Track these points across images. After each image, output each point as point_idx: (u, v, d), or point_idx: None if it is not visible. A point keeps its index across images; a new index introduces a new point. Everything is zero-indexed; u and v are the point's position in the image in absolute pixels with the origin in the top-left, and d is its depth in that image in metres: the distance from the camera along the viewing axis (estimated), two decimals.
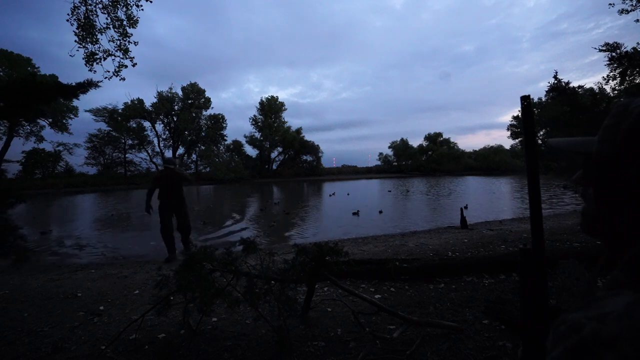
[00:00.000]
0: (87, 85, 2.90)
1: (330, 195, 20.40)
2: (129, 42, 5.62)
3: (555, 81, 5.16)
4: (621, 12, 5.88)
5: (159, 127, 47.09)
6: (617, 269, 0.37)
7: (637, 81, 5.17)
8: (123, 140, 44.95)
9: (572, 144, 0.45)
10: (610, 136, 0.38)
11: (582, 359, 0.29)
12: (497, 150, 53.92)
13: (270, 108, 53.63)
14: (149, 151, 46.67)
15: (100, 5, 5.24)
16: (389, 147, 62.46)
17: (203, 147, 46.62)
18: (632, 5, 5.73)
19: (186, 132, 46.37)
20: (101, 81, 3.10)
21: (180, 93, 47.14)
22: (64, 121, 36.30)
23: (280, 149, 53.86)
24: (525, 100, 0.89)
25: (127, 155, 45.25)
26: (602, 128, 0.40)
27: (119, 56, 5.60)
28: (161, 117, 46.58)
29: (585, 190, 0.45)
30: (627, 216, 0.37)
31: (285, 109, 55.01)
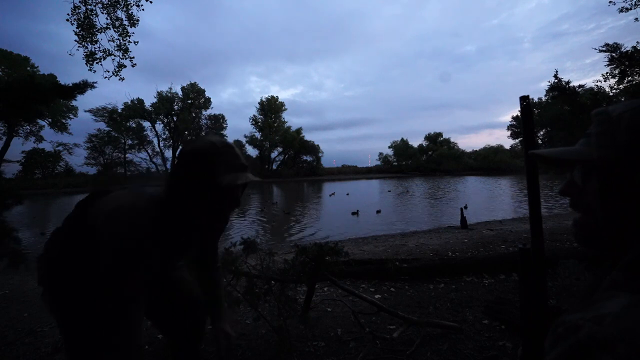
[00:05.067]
0: (83, 87, 2.90)
1: (330, 195, 20.41)
2: (129, 41, 5.62)
3: (556, 80, 5.16)
4: (621, 10, 5.87)
5: (159, 127, 47.16)
6: (615, 271, 0.37)
7: (637, 81, 5.17)
8: (123, 140, 44.97)
9: (559, 153, 0.45)
10: (609, 142, 0.39)
11: None
12: (497, 150, 53.93)
13: (271, 108, 53.65)
14: (149, 151, 46.77)
15: (100, 5, 5.24)
16: (389, 147, 62.58)
17: None
18: (632, 3, 5.72)
19: (186, 132, 46.39)
20: (96, 82, 3.10)
21: (180, 93, 47.20)
22: (64, 121, 36.31)
23: (280, 149, 53.89)
24: (525, 100, 0.89)
25: (127, 155, 45.30)
26: (594, 136, 0.41)
27: (118, 56, 5.60)
28: (161, 117, 46.60)
29: (576, 201, 0.45)
30: (631, 217, 0.38)
31: (285, 109, 55.12)
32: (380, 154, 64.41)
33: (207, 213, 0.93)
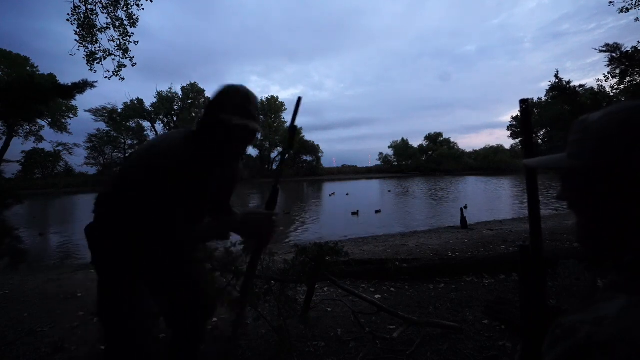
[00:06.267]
0: (83, 86, 2.89)
1: (330, 196, 20.42)
2: (129, 41, 5.61)
3: (556, 80, 5.15)
4: (621, 10, 5.87)
5: (159, 127, 47.16)
6: (614, 272, 0.37)
7: (637, 81, 5.18)
8: (123, 140, 44.99)
9: (546, 162, 0.47)
10: (579, 150, 0.40)
11: None
12: (498, 150, 53.92)
13: (271, 108, 53.67)
14: None
15: (100, 5, 5.24)
16: (389, 147, 62.58)
17: None
18: (631, 3, 5.72)
19: None
20: (97, 82, 3.08)
21: (180, 93, 47.20)
22: (63, 121, 36.28)
23: (280, 149, 53.85)
24: (524, 103, 0.91)
25: (127, 155, 45.31)
26: (569, 144, 0.42)
27: (118, 56, 5.60)
28: (161, 117, 46.60)
29: (571, 203, 0.46)
30: (622, 220, 0.38)
31: (286, 109, 55.12)
32: (380, 154, 64.47)
33: (220, 148, 1.01)
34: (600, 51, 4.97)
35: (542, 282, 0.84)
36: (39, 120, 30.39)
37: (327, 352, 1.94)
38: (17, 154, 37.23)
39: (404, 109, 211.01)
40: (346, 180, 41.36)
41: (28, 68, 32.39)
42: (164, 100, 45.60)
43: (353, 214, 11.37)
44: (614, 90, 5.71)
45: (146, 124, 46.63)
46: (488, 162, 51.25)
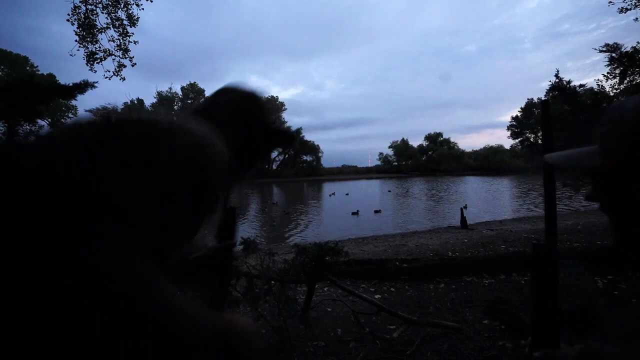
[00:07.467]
0: (83, 86, 2.90)
1: (330, 196, 20.43)
2: (129, 41, 5.61)
3: (557, 80, 5.16)
4: (620, 10, 5.88)
5: None
6: None
7: (637, 81, 5.18)
8: None
9: (571, 157, 0.41)
10: (613, 145, 0.35)
11: None
12: (497, 150, 53.95)
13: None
14: None
15: (100, 5, 5.24)
16: (389, 147, 62.64)
17: None
18: (631, 3, 5.73)
19: None
20: (97, 82, 3.08)
21: (180, 93, 47.30)
22: (63, 121, 36.28)
23: (280, 149, 53.83)
24: (545, 104, 0.94)
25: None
26: (600, 137, 0.37)
27: (118, 56, 5.60)
28: None
29: (603, 204, 0.41)
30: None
31: (285, 109, 55.25)
32: (381, 154, 64.55)
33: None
34: (600, 51, 4.98)
35: (555, 280, 0.84)
36: (39, 120, 30.36)
37: (327, 352, 1.94)
38: None
39: (404, 109, 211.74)
40: (346, 180, 41.39)
41: (28, 68, 32.40)
42: (164, 100, 45.73)
43: (353, 214, 11.37)
44: (614, 90, 5.71)
45: None
46: (488, 162, 51.24)
